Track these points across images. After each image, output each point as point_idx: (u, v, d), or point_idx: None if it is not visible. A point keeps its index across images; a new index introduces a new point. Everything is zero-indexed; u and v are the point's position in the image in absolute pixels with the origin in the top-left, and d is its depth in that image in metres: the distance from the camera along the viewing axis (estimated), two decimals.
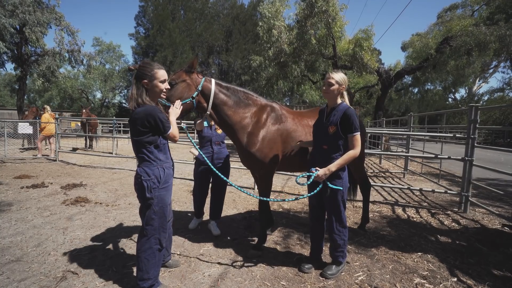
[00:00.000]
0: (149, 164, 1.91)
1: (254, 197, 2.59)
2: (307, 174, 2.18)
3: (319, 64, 13.74)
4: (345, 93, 2.26)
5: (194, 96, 2.39)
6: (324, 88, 2.25)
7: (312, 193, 2.20)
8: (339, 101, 2.25)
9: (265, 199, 2.46)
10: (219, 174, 2.37)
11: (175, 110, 2.12)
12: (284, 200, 2.68)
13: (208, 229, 3.27)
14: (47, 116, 8.63)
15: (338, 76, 2.18)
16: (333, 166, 2.11)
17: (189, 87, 2.38)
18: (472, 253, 2.80)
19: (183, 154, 10.31)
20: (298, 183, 2.14)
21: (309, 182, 2.16)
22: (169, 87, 2.06)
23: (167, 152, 2.06)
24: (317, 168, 2.14)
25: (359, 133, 2.13)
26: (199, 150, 2.62)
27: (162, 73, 1.95)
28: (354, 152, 2.12)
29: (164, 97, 2.06)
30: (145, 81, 1.91)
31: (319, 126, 2.33)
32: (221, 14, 32.34)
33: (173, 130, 1.96)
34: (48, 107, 9.09)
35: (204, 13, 31.14)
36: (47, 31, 16.73)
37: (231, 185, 2.37)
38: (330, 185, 2.19)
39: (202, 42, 30.04)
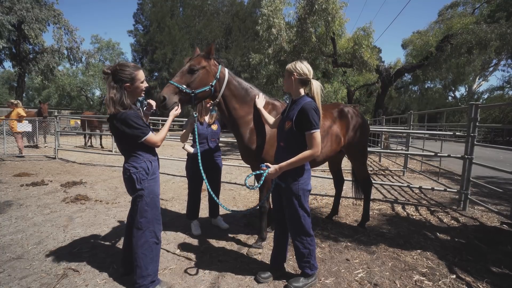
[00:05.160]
0: (135, 159, 1.95)
1: (223, 207, 2.56)
2: (259, 172, 1.97)
3: (319, 62, 13.71)
4: (313, 84, 1.97)
5: (213, 84, 2.35)
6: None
7: (268, 193, 2.01)
8: (301, 93, 2.03)
9: (228, 209, 2.22)
10: (206, 182, 2.30)
11: (174, 112, 2.11)
12: (246, 211, 2.60)
13: (209, 226, 3.28)
14: (21, 111, 8.33)
15: (289, 65, 2.01)
16: (284, 165, 1.91)
17: (208, 74, 2.34)
18: (471, 250, 2.81)
19: (183, 152, 10.30)
20: (248, 187, 1.99)
21: (259, 185, 1.98)
22: (147, 85, 2.03)
23: (152, 147, 2.05)
24: (267, 164, 1.95)
25: (317, 131, 1.88)
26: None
27: (142, 74, 1.96)
28: (311, 152, 1.88)
29: (143, 96, 2.04)
30: (127, 84, 1.90)
31: (280, 121, 2.15)
32: (221, 11, 32.14)
33: (156, 135, 1.95)
34: (19, 102, 8.75)
35: (203, 10, 30.95)
36: (46, 29, 16.65)
37: (214, 199, 2.28)
38: (277, 181, 2.03)
39: (201, 40, 29.89)
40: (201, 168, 2.31)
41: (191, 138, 3.17)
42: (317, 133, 1.88)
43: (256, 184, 1.97)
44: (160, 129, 2.11)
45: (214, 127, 3.11)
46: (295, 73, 1.98)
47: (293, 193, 2.00)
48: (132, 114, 1.86)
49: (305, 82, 2.01)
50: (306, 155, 1.89)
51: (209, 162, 3.08)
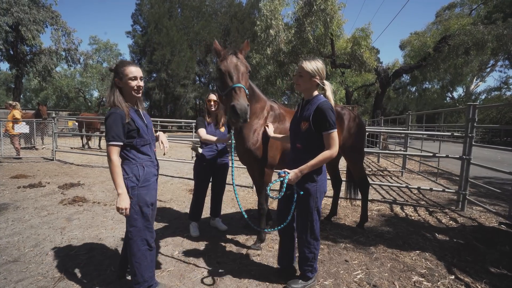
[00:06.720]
0: (128, 162, 1.84)
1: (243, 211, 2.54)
2: (279, 180, 1.91)
3: None
4: (327, 84, 1.97)
5: (246, 87, 2.27)
6: (295, 78, 2.00)
7: (279, 196, 1.97)
8: (315, 93, 1.99)
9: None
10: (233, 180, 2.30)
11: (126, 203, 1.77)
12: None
13: (207, 228, 3.27)
14: (18, 113, 8.26)
15: (310, 66, 1.89)
16: (305, 168, 1.86)
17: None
18: (469, 251, 2.82)
19: (181, 153, 10.28)
20: (271, 197, 1.90)
21: (282, 193, 1.89)
22: (142, 84, 1.87)
23: (149, 151, 1.94)
24: (286, 170, 1.91)
25: (335, 130, 1.85)
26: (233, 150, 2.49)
27: (130, 70, 1.81)
28: (330, 152, 1.85)
29: (140, 95, 1.89)
30: (116, 79, 1.83)
31: (294, 122, 2.09)
32: (219, 12, 32.19)
33: (117, 157, 1.76)
34: (18, 104, 8.68)
35: (201, 11, 30.99)
36: (44, 30, 16.61)
37: (235, 195, 2.23)
38: (296, 188, 1.97)
39: (199, 41, 29.93)
40: (232, 161, 2.24)
41: (198, 138, 3.21)
42: (335, 133, 1.85)
43: (281, 192, 1.92)
44: (159, 130, 2.03)
45: (222, 129, 3.14)
46: (317, 77, 1.91)
47: (310, 195, 1.95)
48: (117, 114, 1.75)
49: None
50: (326, 156, 1.85)
51: (218, 163, 3.12)
